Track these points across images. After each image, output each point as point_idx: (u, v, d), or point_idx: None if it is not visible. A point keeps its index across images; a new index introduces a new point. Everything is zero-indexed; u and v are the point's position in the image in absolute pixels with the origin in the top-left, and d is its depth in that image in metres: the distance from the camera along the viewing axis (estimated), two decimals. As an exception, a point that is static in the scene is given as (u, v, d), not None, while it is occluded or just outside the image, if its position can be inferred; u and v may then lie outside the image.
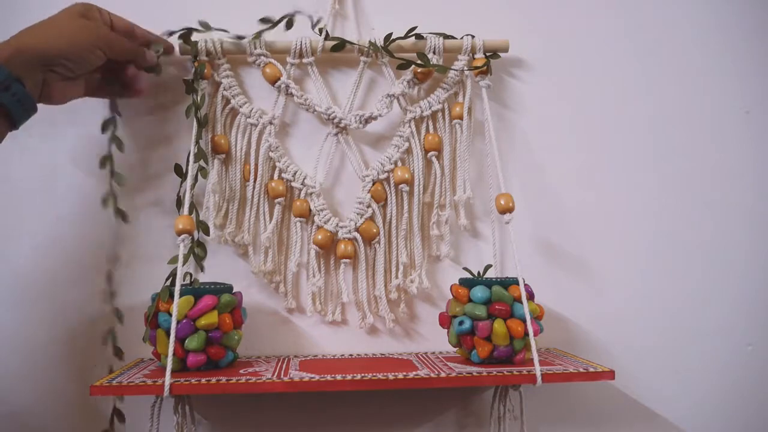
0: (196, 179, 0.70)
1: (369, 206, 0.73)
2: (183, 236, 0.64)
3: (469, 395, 0.76)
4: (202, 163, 0.70)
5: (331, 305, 0.74)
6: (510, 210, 0.68)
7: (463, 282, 0.69)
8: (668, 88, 0.79)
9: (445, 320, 0.70)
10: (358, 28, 0.76)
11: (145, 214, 0.74)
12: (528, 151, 0.77)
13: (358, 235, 0.73)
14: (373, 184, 0.74)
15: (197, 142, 0.69)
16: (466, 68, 0.74)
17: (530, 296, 0.68)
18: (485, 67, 0.73)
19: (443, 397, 0.76)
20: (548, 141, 0.77)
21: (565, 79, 0.78)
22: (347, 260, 0.73)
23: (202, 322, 0.62)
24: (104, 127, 0.71)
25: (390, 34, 0.72)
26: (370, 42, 0.73)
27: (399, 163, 0.74)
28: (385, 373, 0.62)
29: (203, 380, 0.60)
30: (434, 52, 0.73)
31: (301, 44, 0.72)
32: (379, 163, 0.74)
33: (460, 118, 0.74)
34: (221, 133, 0.73)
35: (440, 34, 0.73)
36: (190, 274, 0.71)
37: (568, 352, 0.75)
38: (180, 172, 0.71)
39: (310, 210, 0.73)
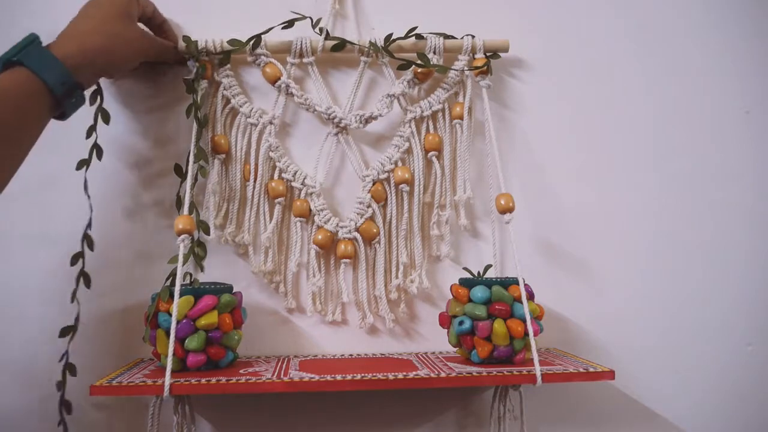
0: (196, 179, 0.70)
1: (369, 206, 0.73)
2: (183, 236, 0.64)
3: (469, 395, 0.76)
4: (201, 162, 0.70)
5: (331, 305, 0.74)
6: (510, 210, 0.68)
7: (463, 282, 0.69)
8: (668, 88, 0.79)
9: (445, 320, 0.70)
10: (358, 28, 0.76)
11: (145, 214, 0.74)
12: (528, 151, 0.77)
13: (358, 235, 0.73)
14: (374, 184, 0.74)
15: (197, 142, 0.69)
16: (466, 68, 0.74)
17: (530, 296, 0.68)
18: (485, 67, 0.73)
19: (443, 397, 0.76)
20: (548, 141, 0.77)
21: (565, 79, 0.78)
22: (347, 260, 0.73)
23: (202, 322, 0.62)
24: (92, 100, 0.70)
25: (390, 34, 0.72)
26: (370, 42, 0.73)
27: (399, 163, 0.74)
28: (385, 373, 0.62)
29: (203, 380, 0.60)
30: (434, 52, 0.73)
31: (301, 44, 0.72)
32: (380, 163, 0.74)
33: (461, 118, 0.74)
34: (221, 132, 0.73)
35: (440, 34, 0.73)
36: (190, 274, 0.72)
37: (568, 352, 0.75)
38: (180, 172, 0.71)
39: (310, 210, 0.73)
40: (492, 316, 0.65)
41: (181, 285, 0.63)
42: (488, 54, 0.74)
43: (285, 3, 0.74)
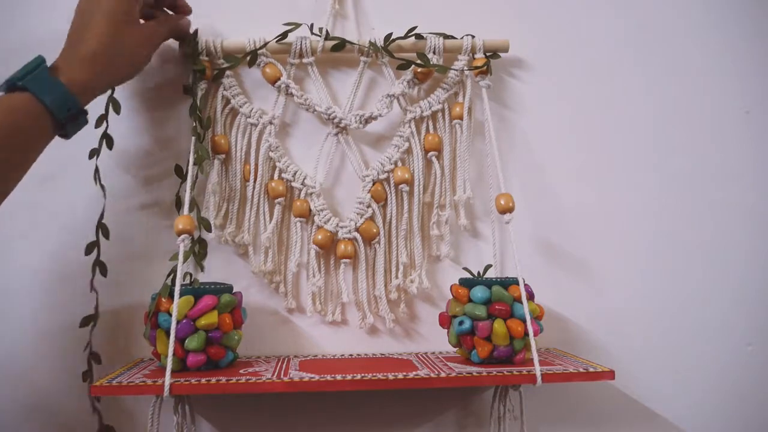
0: (196, 179, 0.70)
1: (369, 206, 0.73)
2: (183, 236, 0.64)
3: (469, 395, 0.76)
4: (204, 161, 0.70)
5: (331, 305, 0.74)
6: (510, 210, 0.68)
7: (463, 282, 0.69)
8: (668, 88, 0.79)
9: (445, 320, 0.70)
10: (358, 28, 0.76)
11: (145, 214, 0.74)
12: (528, 151, 0.77)
13: (358, 235, 0.73)
14: (373, 184, 0.74)
15: (199, 143, 0.69)
16: (466, 68, 0.74)
17: (530, 296, 0.68)
18: (485, 67, 0.73)
19: (443, 397, 0.76)
20: (548, 141, 0.77)
21: (565, 79, 0.78)
22: (347, 260, 0.73)
23: (202, 322, 0.62)
24: (98, 123, 0.70)
25: (390, 34, 0.73)
26: (370, 42, 0.73)
27: (399, 163, 0.74)
28: (385, 373, 0.62)
29: (203, 380, 0.60)
30: (434, 52, 0.73)
31: (301, 44, 0.72)
32: (379, 163, 0.74)
33: (460, 118, 0.74)
34: (221, 133, 0.73)
35: (440, 34, 0.73)
36: (190, 274, 0.72)
37: (568, 352, 0.75)
38: (180, 172, 0.71)
39: (310, 210, 0.73)
40: (492, 316, 0.65)
41: (181, 285, 0.63)
42: (488, 54, 0.74)
43: (285, 3, 0.74)
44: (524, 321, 0.64)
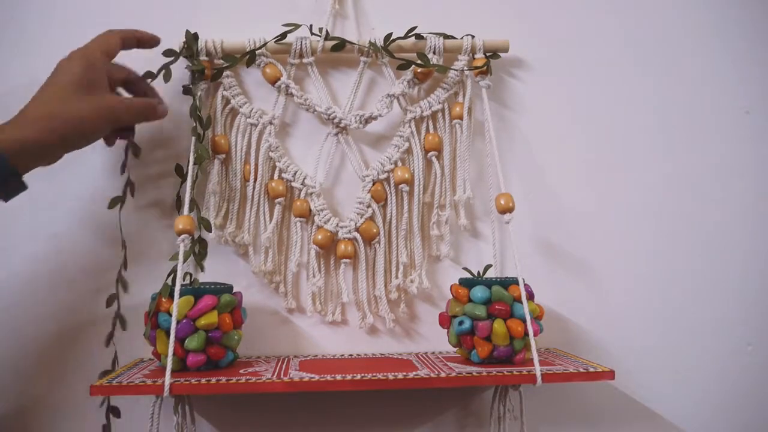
0: (196, 179, 0.70)
1: (369, 206, 0.73)
2: (183, 236, 0.64)
3: (469, 395, 0.76)
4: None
5: (331, 305, 0.74)
6: (510, 210, 0.68)
7: (463, 282, 0.69)
8: (668, 88, 0.79)
9: (445, 320, 0.70)
10: (358, 28, 0.76)
11: (145, 214, 0.74)
12: (528, 151, 0.77)
13: (358, 235, 0.73)
14: (373, 184, 0.74)
15: (198, 145, 0.69)
16: (466, 68, 0.74)
17: (530, 296, 0.68)
18: (485, 67, 0.73)
19: (443, 397, 0.76)
20: (548, 141, 0.77)
21: (565, 79, 0.78)
22: (347, 260, 0.73)
23: (202, 322, 0.62)
24: (122, 169, 0.72)
25: (390, 34, 0.73)
26: (370, 42, 0.73)
27: (399, 163, 0.74)
28: (385, 373, 0.62)
29: (203, 380, 0.60)
30: (434, 52, 0.73)
31: (301, 44, 0.72)
32: (379, 163, 0.74)
33: (460, 118, 0.74)
34: (221, 133, 0.73)
35: (440, 34, 0.73)
36: (190, 274, 0.72)
37: (568, 352, 0.75)
38: (180, 172, 0.71)
39: (310, 210, 0.73)
40: (492, 316, 0.65)
41: (181, 285, 0.63)
42: (488, 54, 0.74)
43: (285, 3, 0.74)
44: (524, 321, 0.64)
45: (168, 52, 0.70)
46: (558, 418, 0.77)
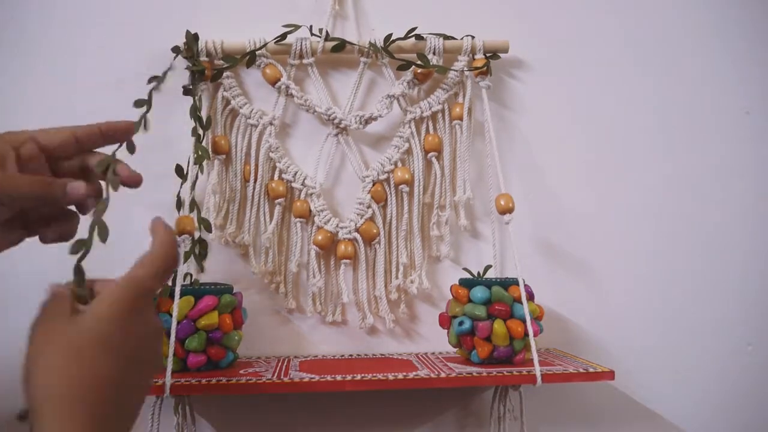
0: (196, 179, 0.70)
1: (369, 207, 0.73)
2: (183, 236, 0.64)
3: (469, 395, 0.76)
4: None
5: (332, 306, 0.74)
6: (510, 210, 0.68)
7: (463, 282, 0.69)
8: (668, 88, 0.79)
9: (445, 320, 0.70)
10: (358, 28, 0.76)
11: (145, 214, 0.74)
12: (528, 151, 0.77)
13: (358, 236, 0.73)
14: (373, 185, 0.74)
15: (198, 145, 0.69)
16: (466, 69, 0.74)
17: (530, 296, 0.68)
18: (485, 68, 0.73)
19: (443, 397, 0.76)
20: (548, 141, 0.77)
21: (565, 80, 0.78)
22: (347, 261, 0.73)
23: (203, 322, 0.62)
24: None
25: (390, 35, 0.73)
26: (370, 42, 0.73)
27: (399, 164, 0.74)
28: (385, 374, 0.62)
29: (203, 380, 0.60)
30: (434, 53, 0.73)
31: (301, 45, 0.72)
32: (379, 164, 0.74)
33: (460, 118, 0.74)
34: (221, 133, 0.73)
35: (440, 35, 0.73)
36: (191, 275, 0.72)
37: (568, 352, 0.75)
38: (180, 172, 0.71)
39: (310, 210, 0.73)
40: (492, 316, 0.65)
41: (182, 285, 0.63)
42: (488, 54, 0.74)
43: (285, 3, 0.74)
44: (524, 321, 0.65)
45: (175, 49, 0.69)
46: (558, 418, 0.77)
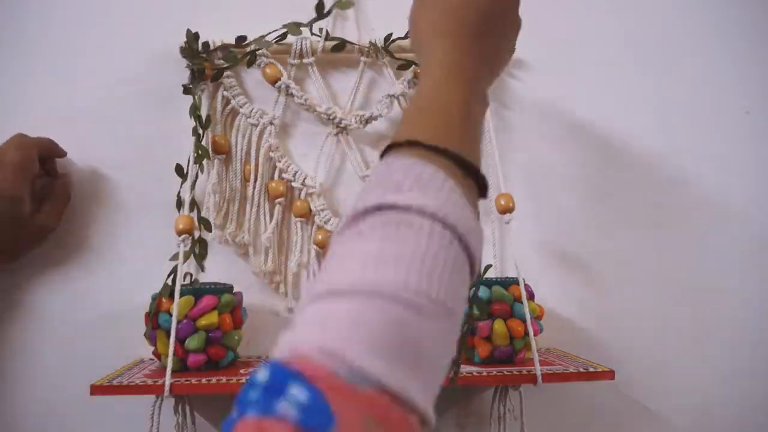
0: (196, 179, 0.70)
1: (369, 206, 0.73)
2: (183, 236, 0.64)
3: (469, 395, 0.76)
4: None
5: (332, 305, 0.74)
6: (510, 210, 0.68)
7: (463, 282, 0.69)
8: (668, 88, 0.79)
9: (445, 320, 0.69)
10: (358, 28, 0.76)
11: (145, 214, 0.74)
12: (528, 151, 0.77)
13: (358, 235, 0.73)
14: (374, 184, 0.74)
15: (198, 145, 0.69)
16: (466, 68, 0.74)
17: (530, 296, 0.68)
18: (485, 68, 0.73)
19: (443, 397, 0.75)
20: (548, 141, 0.77)
21: (564, 80, 0.78)
22: (347, 260, 0.72)
23: (203, 322, 0.62)
24: None
25: (390, 35, 0.73)
26: (370, 42, 0.73)
27: (399, 163, 0.74)
28: (385, 373, 0.62)
29: (203, 380, 0.60)
30: (434, 53, 0.73)
31: (301, 45, 0.72)
32: (380, 163, 0.74)
33: (460, 118, 0.74)
34: (221, 133, 0.73)
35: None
36: (191, 274, 0.72)
37: (568, 352, 0.75)
38: (180, 172, 0.71)
39: (310, 210, 0.73)
40: (492, 316, 0.65)
41: (182, 285, 0.63)
42: (488, 54, 0.74)
43: (285, 3, 0.74)
44: (524, 321, 0.65)
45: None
46: (558, 418, 0.77)
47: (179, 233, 0.64)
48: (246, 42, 0.71)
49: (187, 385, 0.59)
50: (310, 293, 0.32)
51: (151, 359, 0.71)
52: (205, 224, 0.71)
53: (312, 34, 0.72)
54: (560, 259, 0.77)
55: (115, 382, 0.59)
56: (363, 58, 0.74)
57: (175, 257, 0.65)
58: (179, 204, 0.72)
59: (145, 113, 0.74)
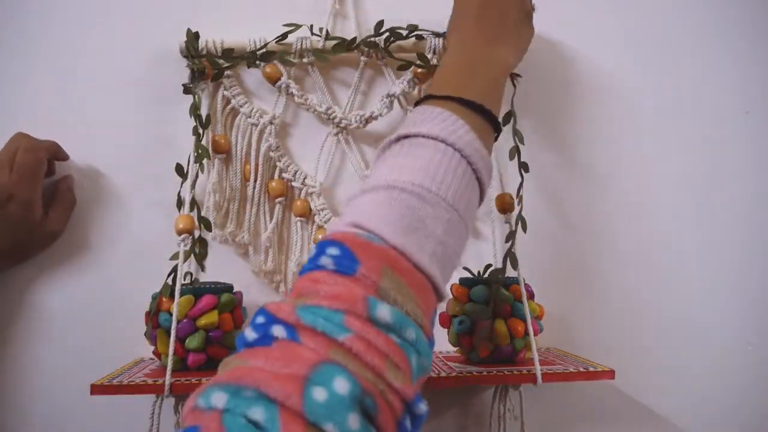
0: (196, 178, 0.70)
1: (369, 206, 0.73)
2: (183, 236, 0.64)
3: (469, 395, 0.76)
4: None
5: (332, 305, 0.74)
6: (510, 210, 0.68)
7: (463, 282, 0.69)
8: (668, 88, 0.79)
9: (445, 320, 0.70)
10: (358, 28, 0.76)
11: (145, 213, 0.74)
12: (528, 151, 0.77)
13: (358, 235, 0.73)
14: (374, 184, 0.74)
15: (198, 144, 0.69)
16: (466, 68, 0.74)
17: (530, 296, 0.68)
18: (485, 67, 0.73)
19: (443, 397, 0.76)
20: (548, 141, 0.77)
21: (564, 79, 0.78)
22: (347, 260, 0.72)
23: (203, 321, 0.62)
24: None
25: (390, 35, 0.72)
26: (370, 42, 0.73)
27: (399, 163, 0.74)
28: (385, 373, 0.62)
29: (203, 380, 0.59)
30: (434, 53, 0.73)
31: (301, 44, 0.72)
32: (380, 163, 0.74)
33: (460, 118, 0.74)
34: (222, 132, 0.73)
35: (440, 35, 0.73)
36: (191, 274, 0.72)
37: (568, 352, 0.75)
38: (180, 171, 0.71)
39: (310, 210, 0.73)
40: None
41: (182, 284, 0.63)
42: (488, 54, 0.74)
43: (285, 3, 0.74)
44: (524, 320, 0.65)
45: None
46: (558, 418, 0.77)
47: (179, 233, 0.64)
48: (265, 48, 0.71)
49: (187, 385, 0.59)
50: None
51: (151, 359, 0.71)
52: (205, 224, 0.71)
53: (312, 33, 0.72)
54: (560, 259, 0.77)
55: (115, 382, 0.59)
56: (363, 58, 0.74)
57: (175, 257, 0.65)
58: (179, 203, 0.72)
59: (145, 113, 0.74)
